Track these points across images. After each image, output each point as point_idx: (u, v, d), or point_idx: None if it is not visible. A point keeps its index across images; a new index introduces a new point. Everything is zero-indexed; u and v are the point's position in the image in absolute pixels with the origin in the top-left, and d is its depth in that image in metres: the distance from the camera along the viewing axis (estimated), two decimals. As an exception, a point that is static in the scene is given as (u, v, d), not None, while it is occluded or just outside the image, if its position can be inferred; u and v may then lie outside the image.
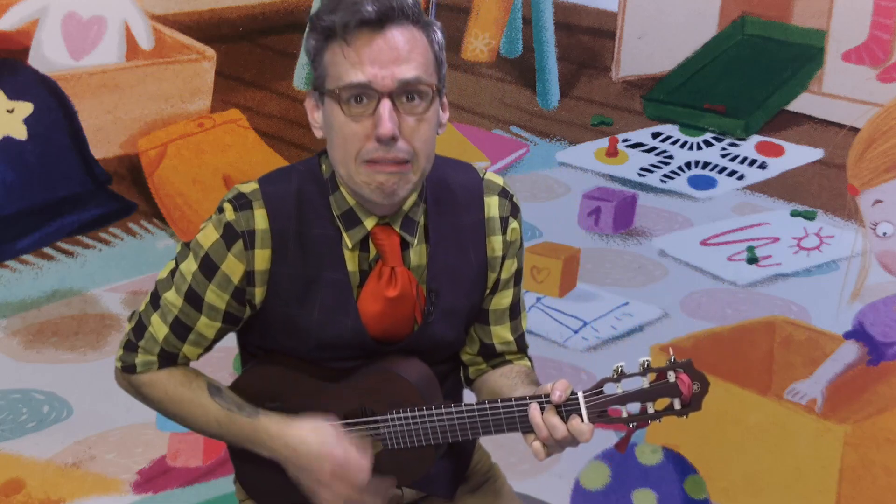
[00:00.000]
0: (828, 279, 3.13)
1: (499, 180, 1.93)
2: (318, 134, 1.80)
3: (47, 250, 3.15)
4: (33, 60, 3.10)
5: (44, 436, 3.16)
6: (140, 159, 3.19)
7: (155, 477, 3.21)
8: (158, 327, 1.86)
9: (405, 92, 1.70)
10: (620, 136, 3.23)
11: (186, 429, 1.94)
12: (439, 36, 1.77)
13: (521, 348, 2.03)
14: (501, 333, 1.98)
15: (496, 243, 1.91)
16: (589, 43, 3.22)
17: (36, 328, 3.16)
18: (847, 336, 3.12)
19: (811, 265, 3.15)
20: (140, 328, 1.89)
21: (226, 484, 3.20)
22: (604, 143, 3.24)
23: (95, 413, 3.16)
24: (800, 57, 3.13)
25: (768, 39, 3.17)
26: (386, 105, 1.69)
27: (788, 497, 3.17)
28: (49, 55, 3.11)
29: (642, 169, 3.22)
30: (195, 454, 3.20)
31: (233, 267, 1.80)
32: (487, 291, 1.94)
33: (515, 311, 1.99)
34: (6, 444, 3.15)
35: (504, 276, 1.94)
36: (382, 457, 1.84)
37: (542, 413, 1.72)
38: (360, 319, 1.82)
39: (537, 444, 1.74)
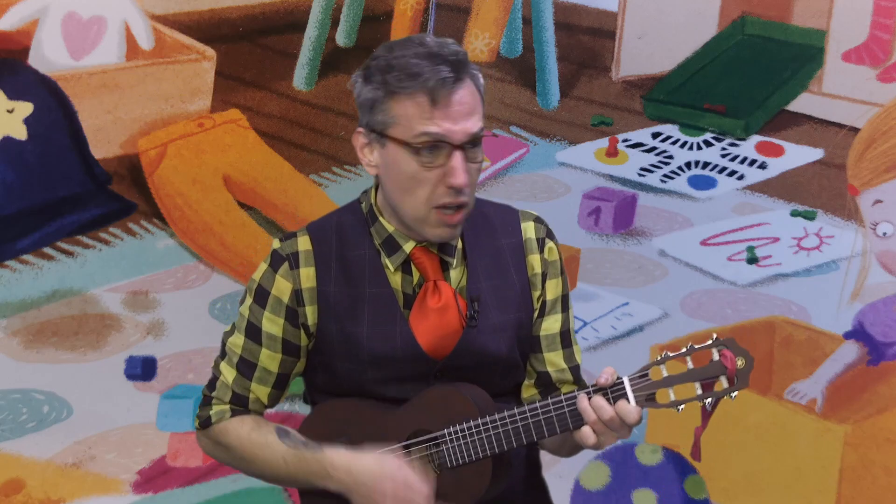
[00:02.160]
0: (828, 279, 3.13)
1: (533, 212, 2.03)
2: (372, 172, 1.90)
3: (47, 250, 3.15)
4: (33, 60, 3.10)
5: (44, 436, 3.16)
6: (140, 159, 3.19)
7: (155, 477, 3.21)
8: (227, 373, 1.97)
9: (472, 142, 1.82)
10: (620, 136, 3.23)
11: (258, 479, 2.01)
12: (482, 81, 1.88)
13: (577, 380, 2.05)
14: (555, 360, 2.01)
15: (535, 261, 1.98)
16: (589, 43, 3.22)
17: (36, 328, 3.16)
18: (847, 336, 3.12)
19: (811, 265, 3.15)
20: (212, 381, 1.99)
21: (226, 484, 3.20)
22: (604, 143, 3.24)
23: (95, 413, 3.16)
24: (800, 57, 3.13)
25: (768, 39, 3.17)
26: (459, 156, 1.80)
27: (788, 497, 3.17)
28: (49, 55, 3.11)
29: (642, 169, 3.22)
30: (195, 454, 3.20)
31: (281, 287, 1.90)
32: (535, 314, 1.99)
33: (567, 339, 2.03)
34: (6, 444, 3.15)
35: (549, 296, 2.00)
36: (442, 479, 1.86)
37: (590, 399, 1.77)
38: (409, 329, 1.89)
39: (586, 428, 1.78)
